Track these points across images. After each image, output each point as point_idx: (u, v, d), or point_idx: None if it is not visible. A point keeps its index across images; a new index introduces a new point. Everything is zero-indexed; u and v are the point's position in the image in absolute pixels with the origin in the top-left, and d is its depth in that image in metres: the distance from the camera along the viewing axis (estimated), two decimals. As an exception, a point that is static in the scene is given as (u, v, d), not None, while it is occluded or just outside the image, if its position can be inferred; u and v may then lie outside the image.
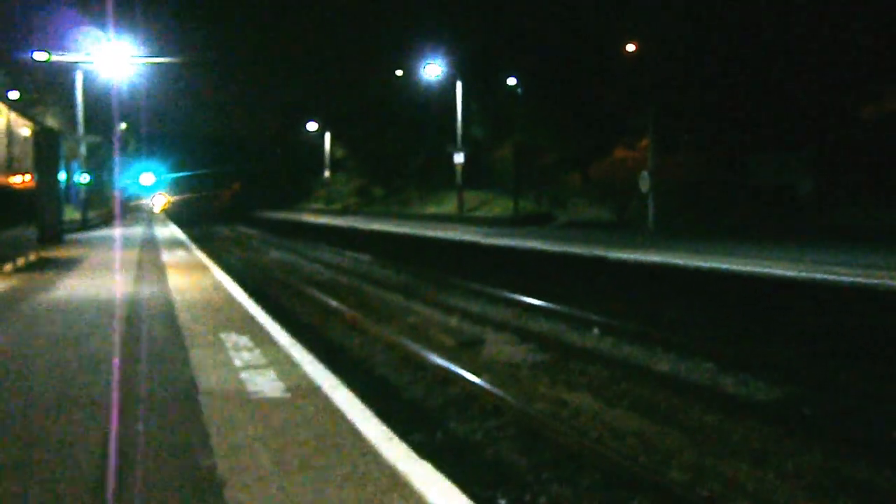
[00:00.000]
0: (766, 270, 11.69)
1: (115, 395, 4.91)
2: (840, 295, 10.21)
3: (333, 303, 13.84)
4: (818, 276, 10.85)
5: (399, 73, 46.51)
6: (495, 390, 7.61)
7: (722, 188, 26.04)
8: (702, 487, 5.49)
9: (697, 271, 12.64)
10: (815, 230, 19.62)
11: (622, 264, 14.50)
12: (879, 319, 9.61)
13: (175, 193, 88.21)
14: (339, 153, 59.58)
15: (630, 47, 29.73)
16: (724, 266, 12.45)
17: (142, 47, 29.70)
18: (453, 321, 12.30)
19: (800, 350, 9.65)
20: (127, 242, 22.15)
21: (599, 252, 15.67)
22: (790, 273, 11.25)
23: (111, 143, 36.58)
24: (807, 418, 7.01)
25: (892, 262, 12.16)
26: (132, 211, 61.96)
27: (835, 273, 11.03)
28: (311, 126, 61.58)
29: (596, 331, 11.05)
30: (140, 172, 58.00)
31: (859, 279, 10.35)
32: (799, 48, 23.72)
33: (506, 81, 34.62)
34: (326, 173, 59.77)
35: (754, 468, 5.84)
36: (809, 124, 24.25)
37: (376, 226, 32.43)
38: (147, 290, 10.40)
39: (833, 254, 13.83)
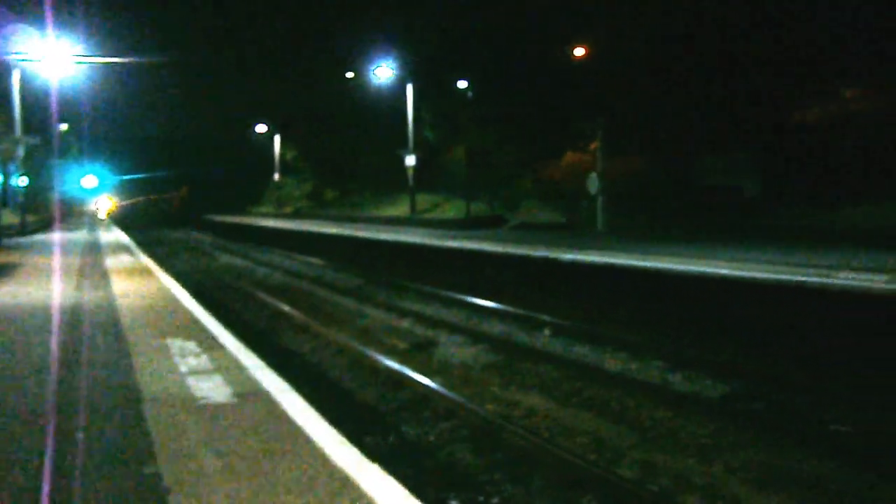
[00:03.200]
0: (712, 270, 11.94)
1: (54, 404, 4.74)
2: (780, 293, 10.50)
3: (284, 307, 13.65)
4: (760, 275, 11.13)
5: (350, 75, 46.25)
6: (448, 392, 7.60)
7: (670, 190, 26.54)
8: (652, 483, 5.57)
9: (646, 272, 12.85)
10: (760, 231, 20.12)
11: (572, 265, 14.65)
12: (818, 316, 9.90)
13: (121, 197, 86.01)
14: (290, 156, 58.84)
15: (579, 51, 30.11)
16: (672, 266, 12.69)
17: (85, 47, 28.85)
18: (406, 324, 12.25)
19: (744, 347, 9.88)
20: (68, 247, 21.47)
21: (550, 254, 15.81)
22: (735, 272, 11.52)
23: (51, 144, 35.45)
24: (752, 413, 7.18)
25: (826, 261, 12.54)
26: (75, 215, 60.18)
27: (778, 272, 11.33)
28: (261, 128, 60.72)
29: (547, 331, 11.13)
30: (83, 175, 56.27)
31: (799, 278, 10.64)
32: (743, 51, 24.36)
33: (456, 84, 34.70)
34: (277, 176, 58.98)
35: (702, 463, 5.95)
36: (754, 127, 24.90)
37: (328, 229, 32.11)
38: (89, 296, 10.09)
39: (775, 253, 14.21)
